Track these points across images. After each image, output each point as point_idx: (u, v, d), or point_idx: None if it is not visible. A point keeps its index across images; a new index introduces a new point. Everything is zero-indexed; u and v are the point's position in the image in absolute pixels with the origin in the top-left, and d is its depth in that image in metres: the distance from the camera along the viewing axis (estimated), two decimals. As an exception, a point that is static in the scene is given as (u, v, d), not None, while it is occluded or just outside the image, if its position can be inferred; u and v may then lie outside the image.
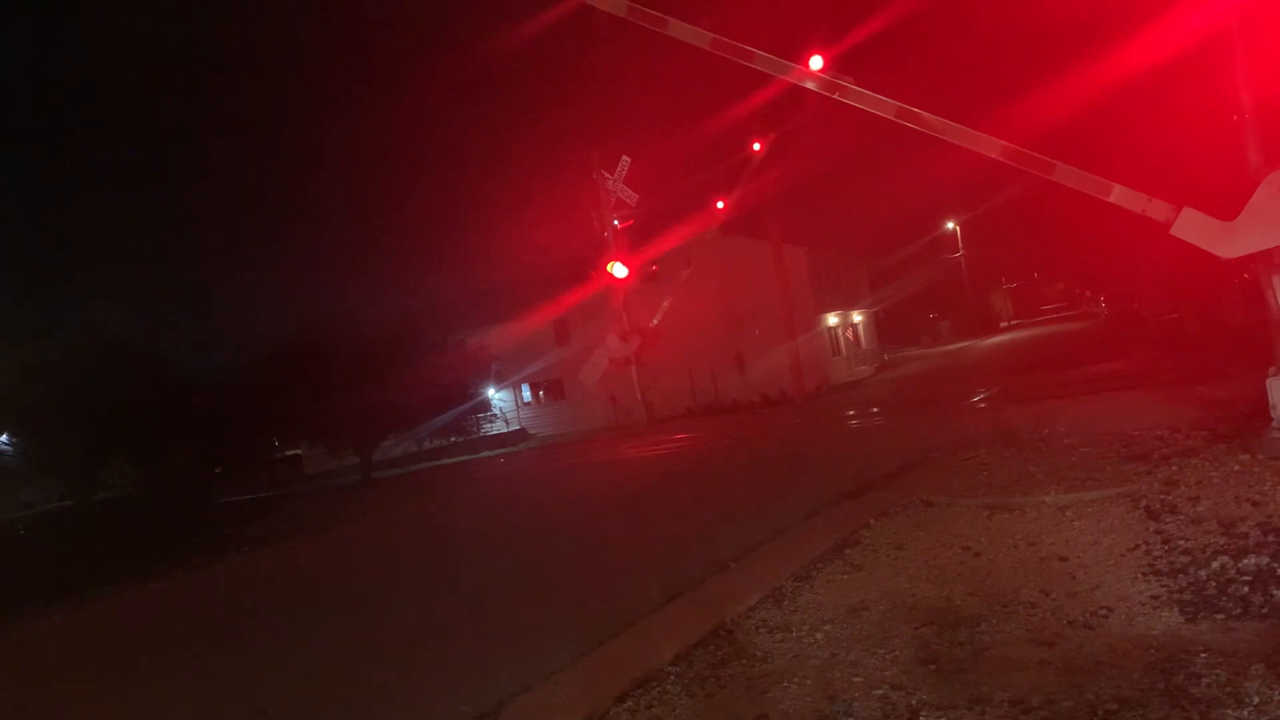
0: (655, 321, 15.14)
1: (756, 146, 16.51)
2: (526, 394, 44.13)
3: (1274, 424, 9.05)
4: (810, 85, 10.72)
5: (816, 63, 10.96)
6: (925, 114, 10.01)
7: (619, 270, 13.16)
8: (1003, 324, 69.09)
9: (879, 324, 49.27)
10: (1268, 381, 9.11)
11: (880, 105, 10.21)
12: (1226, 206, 8.90)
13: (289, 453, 38.51)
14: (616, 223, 16.87)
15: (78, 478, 29.73)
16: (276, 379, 28.27)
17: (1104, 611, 5.70)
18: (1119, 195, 9.26)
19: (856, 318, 44.42)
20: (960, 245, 65.76)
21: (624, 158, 17.79)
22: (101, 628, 12.72)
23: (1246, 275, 10.77)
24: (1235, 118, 9.30)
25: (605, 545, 11.91)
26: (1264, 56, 9.09)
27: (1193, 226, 8.96)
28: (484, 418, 37.43)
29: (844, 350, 41.51)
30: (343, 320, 30.51)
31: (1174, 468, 9.16)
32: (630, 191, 16.55)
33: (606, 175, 17.76)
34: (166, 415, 27.81)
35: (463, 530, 16.71)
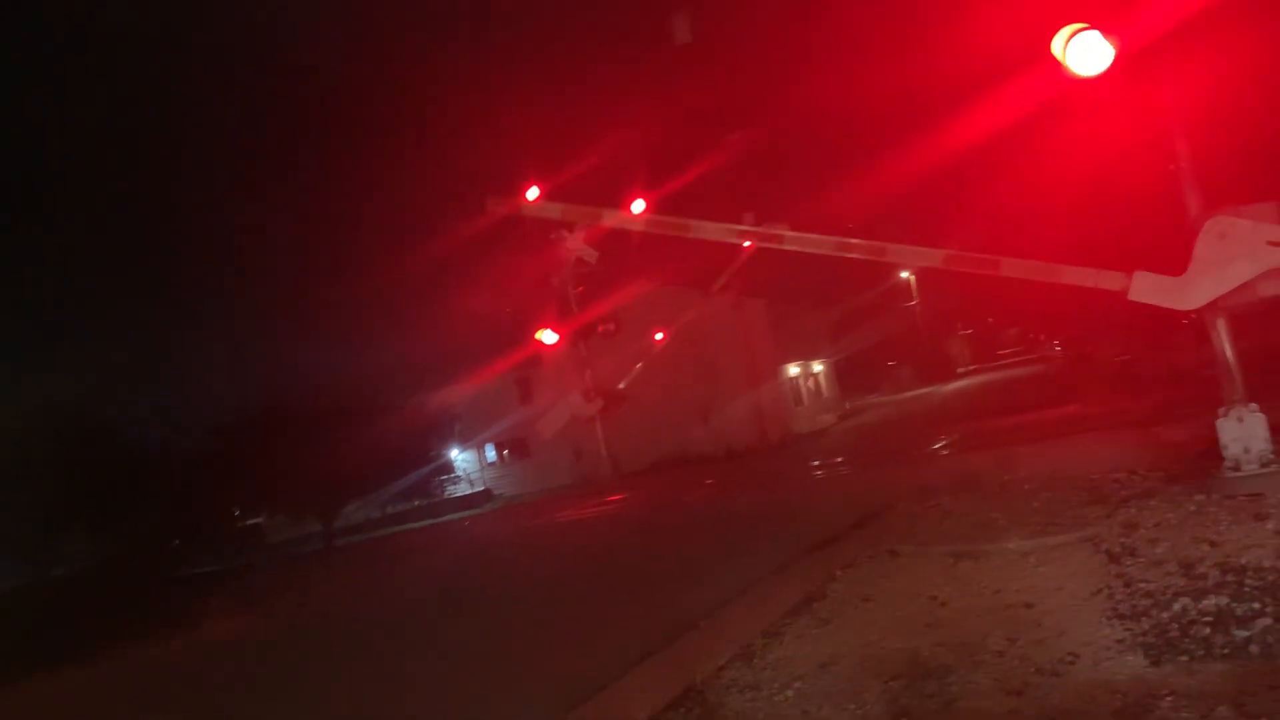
0: (622, 385, 15.02)
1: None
2: (491, 454, 43.71)
3: (1226, 463, 9.21)
4: (748, 243, 11.03)
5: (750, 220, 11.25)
6: (863, 242, 10.28)
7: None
8: (960, 369, 69.81)
9: (840, 372, 49.66)
10: (1217, 422, 9.28)
11: (819, 244, 10.44)
12: (1176, 257, 9.07)
13: (249, 522, 37.80)
14: (579, 289, 16.86)
15: (31, 555, 28.72)
16: (234, 448, 27.87)
17: (1070, 658, 5.72)
18: (1069, 275, 9.46)
19: (817, 367, 44.79)
20: (915, 294, 66.72)
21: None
22: None
23: (1193, 316, 10.98)
24: (1172, 167, 9.57)
25: (572, 607, 11.77)
26: (1197, 105, 9.40)
27: (1148, 289, 9.11)
28: (447, 479, 37.03)
29: (806, 400, 41.77)
30: (300, 387, 30.31)
31: (1133, 510, 9.25)
32: (590, 250, 16.54)
33: (566, 234, 17.72)
34: (122, 487, 27.14)
35: (429, 595, 16.44)
